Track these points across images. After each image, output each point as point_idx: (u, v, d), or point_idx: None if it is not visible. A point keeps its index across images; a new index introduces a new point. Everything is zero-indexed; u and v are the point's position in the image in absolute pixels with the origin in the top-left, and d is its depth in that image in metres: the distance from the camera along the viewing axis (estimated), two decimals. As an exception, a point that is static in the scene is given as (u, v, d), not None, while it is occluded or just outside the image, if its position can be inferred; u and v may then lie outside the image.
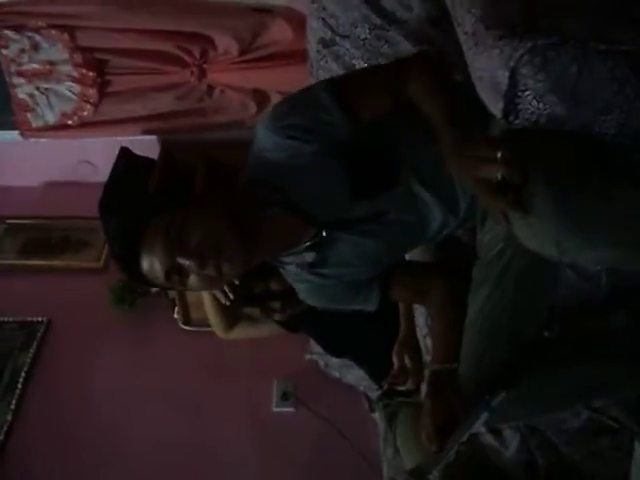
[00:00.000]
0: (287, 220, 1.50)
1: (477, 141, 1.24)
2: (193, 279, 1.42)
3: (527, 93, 1.18)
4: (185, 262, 1.39)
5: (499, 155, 1.14)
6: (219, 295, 2.49)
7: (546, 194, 1.15)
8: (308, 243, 1.56)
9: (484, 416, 1.49)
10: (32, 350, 3.33)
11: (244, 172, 1.58)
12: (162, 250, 1.40)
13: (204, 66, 3.26)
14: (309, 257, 1.60)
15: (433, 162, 1.45)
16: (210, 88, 3.37)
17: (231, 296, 2.45)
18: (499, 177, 1.15)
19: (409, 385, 2.00)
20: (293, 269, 1.66)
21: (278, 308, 2.45)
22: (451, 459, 1.52)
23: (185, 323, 3.36)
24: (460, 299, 1.72)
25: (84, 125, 3.46)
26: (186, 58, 3.23)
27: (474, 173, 1.19)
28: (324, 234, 1.55)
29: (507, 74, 1.15)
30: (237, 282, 2.44)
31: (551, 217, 1.16)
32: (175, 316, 3.38)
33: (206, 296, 2.63)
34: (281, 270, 1.72)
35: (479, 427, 1.52)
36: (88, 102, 3.37)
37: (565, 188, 1.16)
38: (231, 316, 2.75)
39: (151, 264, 1.41)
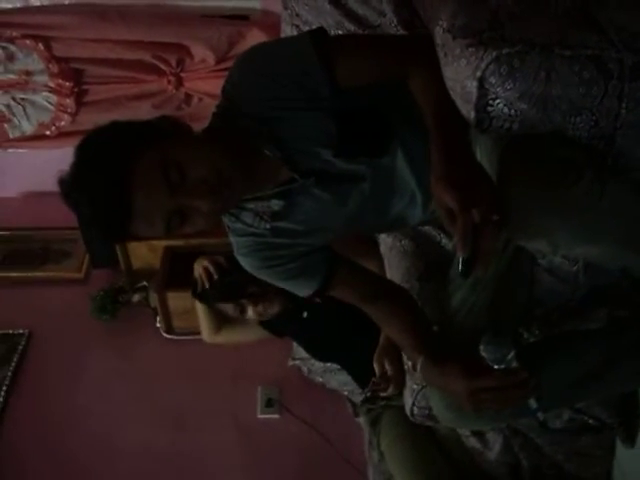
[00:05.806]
0: (265, 156, 1.38)
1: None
2: (196, 220, 1.29)
3: (498, 101, 1.19)
4: (193, 203, 1.25)
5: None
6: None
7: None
8: (280, 188, 1.44)
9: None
10: (13, 363, 3.29)
11: (218, 104, 1.45)
12: (164, 193, 1.23)
13: (181, 75, 3.25)
14: (276, 205, 1.46)
15: (425, 147, 1.30)
16: (188, 96, 3.35)
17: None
18: None
19: (391, 391, 2.00)
20: (249, 219, 1.50)
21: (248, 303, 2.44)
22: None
23: (167, 331, 3.35)
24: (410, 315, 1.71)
25: (62, 135, 3.43)
26: (163, 67, 3.21)
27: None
28: (300, 179, 1.42)
29: (475, 84, 1.16)
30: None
31: (543, 212, 1.18)
32: (157, 325, 3.37)
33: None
34: (227, 219, 1.53)
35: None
36: (65, 112, 3.34)
37: (558, 184, 1.17)
38: (218, 319, 2.77)
39: (149, 212, 1.24)
